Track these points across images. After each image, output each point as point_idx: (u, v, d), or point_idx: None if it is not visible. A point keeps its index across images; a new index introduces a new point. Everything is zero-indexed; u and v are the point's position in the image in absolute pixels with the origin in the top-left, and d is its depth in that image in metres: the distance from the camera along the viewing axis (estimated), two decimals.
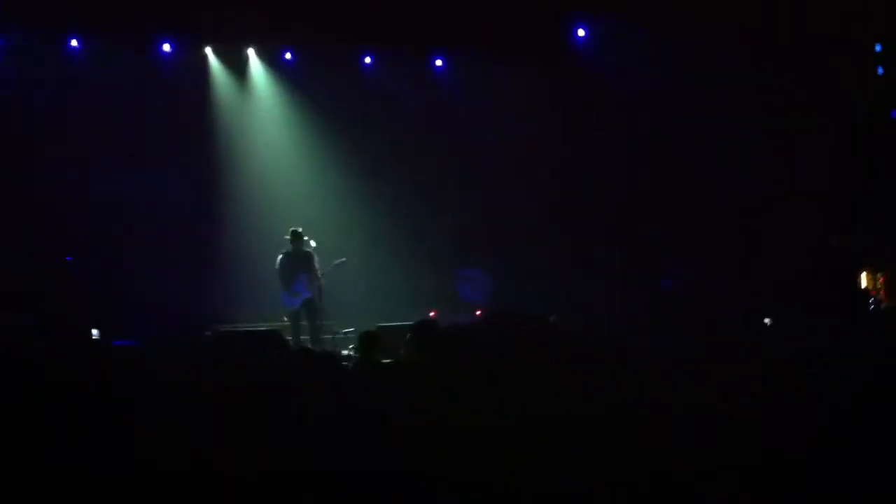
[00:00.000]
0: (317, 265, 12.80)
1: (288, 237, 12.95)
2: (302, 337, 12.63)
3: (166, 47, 14.92)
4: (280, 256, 12.96)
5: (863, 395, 4.63)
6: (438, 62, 15.82)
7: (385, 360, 7.73)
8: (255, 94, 15.71)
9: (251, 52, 15.54)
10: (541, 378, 4.67)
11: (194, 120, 15.13)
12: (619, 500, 3.89)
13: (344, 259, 13.19)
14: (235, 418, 4.17)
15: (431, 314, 12.99)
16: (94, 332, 9.87)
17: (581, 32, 15.16)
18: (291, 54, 15.57)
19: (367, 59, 15.69)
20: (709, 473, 3.98)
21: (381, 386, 5.34)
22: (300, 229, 13.00)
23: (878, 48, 13.44)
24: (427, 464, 3.94)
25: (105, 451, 3.89)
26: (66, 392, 4.51)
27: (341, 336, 12.49)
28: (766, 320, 10.11)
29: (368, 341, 7.81)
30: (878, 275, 11.68)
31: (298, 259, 12.83)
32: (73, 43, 14.48)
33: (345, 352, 11.39)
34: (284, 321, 12.89)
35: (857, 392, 4.67)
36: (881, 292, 11.61)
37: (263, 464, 3.85)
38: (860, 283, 11.81)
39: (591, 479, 3.91)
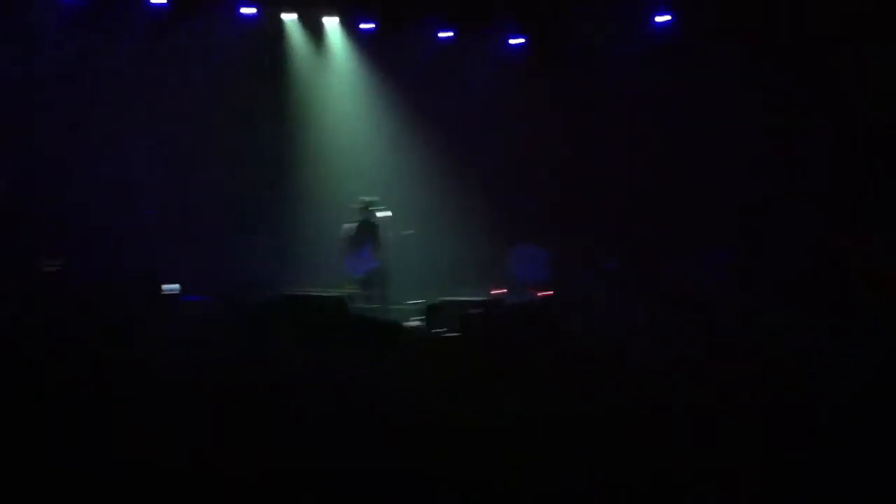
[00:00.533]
0: (387, 235, 12.99)
1: (357, 206, 13.13)
2: (371, 306, 12.67)
3: (246, 10, 14.98)
4: (348, 225, 13.13)
5: (863, 394, 4.55)
6: (519, 40, 15.68)
7: (449, 334, 7.75)
8: (330, 63, 15.78)
9: (328, 20, 15.57)
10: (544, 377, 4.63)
11: (269, 84, 15.22)
12: (619, 501, 3.85)
13: (412, 231, 13.26)
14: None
15: (496, 292, 12.98)
16: (168, 286, 10.05)
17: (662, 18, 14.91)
18: (370, 24, 15.56)
19: (446, 34, 15.62)
20: (709, 473, 3.93)
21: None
22: (370, 199, 13.13)
23: None
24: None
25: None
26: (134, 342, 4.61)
27: (407, 307, 12.54)
28: None
29: (433, 313, 7.87)
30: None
31: (366, 229, 13.04)
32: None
33: (411, 322, 11.41)
34: (351, 289, 12.90)
35: (857, 392, 4.60)
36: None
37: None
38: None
39: (592, 479, 3.87)
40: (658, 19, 14.82)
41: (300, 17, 15.43)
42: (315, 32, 15.65)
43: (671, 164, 14.29)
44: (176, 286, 10.74)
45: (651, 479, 3.93)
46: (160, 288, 9.94)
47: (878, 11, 12.48)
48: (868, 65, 12.76)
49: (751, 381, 4.99)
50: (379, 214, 13.24)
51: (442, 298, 11.39)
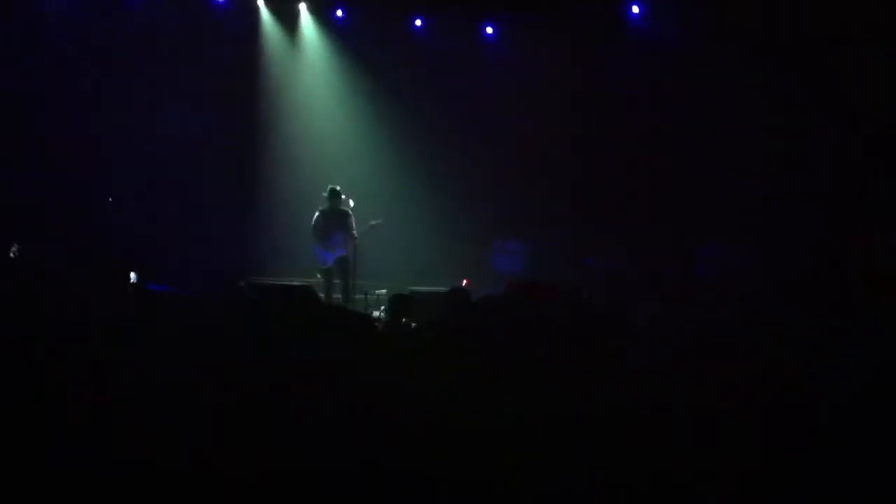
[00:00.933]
0: (353, 224, 12.84)
1: (325, 194, 12.99)
2: (334, 295, 12.65)
3: None
4: (317, 213, 13.01)
5: (863, 394, 4.60)
6: (489, 30, 15.70)
7: (413, 324, 7.75)
8: (303, 50, 15.73)
9: (302, 6, 15.53)
10: (549, 373, 4.62)
11: (242, 70, 15.18)
12: (620, 501, 3.87)
13: (381, 220, 13.17)
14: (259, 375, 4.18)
15: (464, 282, 12.99)
16: (132, 274, 9.93)
17: (636, 9, 14.91)
18: (343, 12, 15.53)
19: (418, 22, 15.61)
20: (709, 473, 3.96)
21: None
22: (338, 187, 13.02)
23: None
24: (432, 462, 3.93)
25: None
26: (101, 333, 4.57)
27: (373, 296, 12.53)
28: None
29: (399, 304, 7.84)
30: None
31: (334, 216, 12.87)
32: None
33: (375, 313, 11.41)
34: (318, 278, 12.95)
35: (857, 392, 4.65)
36: None
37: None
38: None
39: (592, 479, 3.89)
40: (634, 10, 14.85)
41: (272, 3, 15.37)
42: (288, 19, 15.56)
43: (666, 160, 14.24)
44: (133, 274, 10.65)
45: (651, 479, 3.94)
46: (128, 276, 9.82)
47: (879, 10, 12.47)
48: (870, 64, 12.80)
49: (752, 379, 5.03)
50: (349, 203, 13.07)
51: (408, 289, 11.40)
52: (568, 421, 4.11)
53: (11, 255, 11.32)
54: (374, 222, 13.10)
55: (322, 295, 12.00)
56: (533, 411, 4.12)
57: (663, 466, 3.94)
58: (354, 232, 12.80)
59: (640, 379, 4.84)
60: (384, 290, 12.40)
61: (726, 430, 4.20)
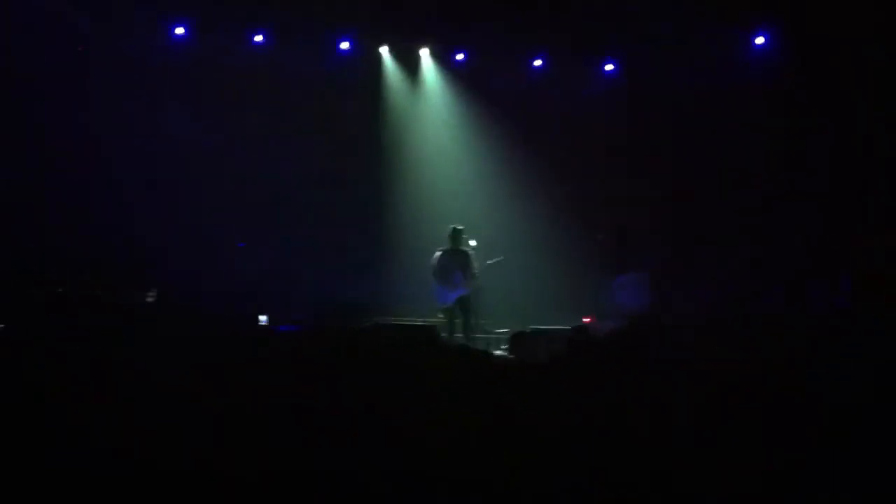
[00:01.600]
0: (474, 263, 12.97)
1: (448, 234, 13.16)
2: (456, 335, 12.76)
3: (344, 45, 15.43)
4: (438, 253, 13.16)
5: (866, 395, 4.50)
6: (609, 66, 15.73)
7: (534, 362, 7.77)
8: (425, 93, 16.08)
9: (424, 52, 15.89)
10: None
11: (367, 117, 15.62)
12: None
13: (501, 258, 13.27)
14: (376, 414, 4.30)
15: (586, 320, 12.95)
16: (263, 317, 10.28)
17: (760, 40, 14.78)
18: (464, 55, 15.82)
19: (538, 62, 15.77)
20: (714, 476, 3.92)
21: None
22: (460, 227, 13.19)
23: None
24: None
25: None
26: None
27: (494, 336, 12.60)
28: None
29: (520, 342, 7.90)
30: None
31: (455, 256, 13.03)
32: (258, 38, 15.16)
33: (497, 352, 11.47)
34: (439, 317, 13.06)
35: (859, 392, 4.54)
36: None
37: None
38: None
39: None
40: (757, 41, 14.71)
41: (394, 49, 15.79)
42: (410, 64, 15.97)
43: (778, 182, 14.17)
44: (264, 316, 10.99)
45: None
46: (258, 319, 10.14)
47: None
48: None
49: (756, 380, 4.98)
50: (471, 243, 13.22)
51: (529, 327, 11.44)
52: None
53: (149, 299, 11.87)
54: (493, 260, 13.18)
55: (445, 335, 12.14)
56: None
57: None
58: (475, 271, 12.92)
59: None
60: (506, 329, 12.44)
61: (732, 432, 4.19)
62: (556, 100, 15.59)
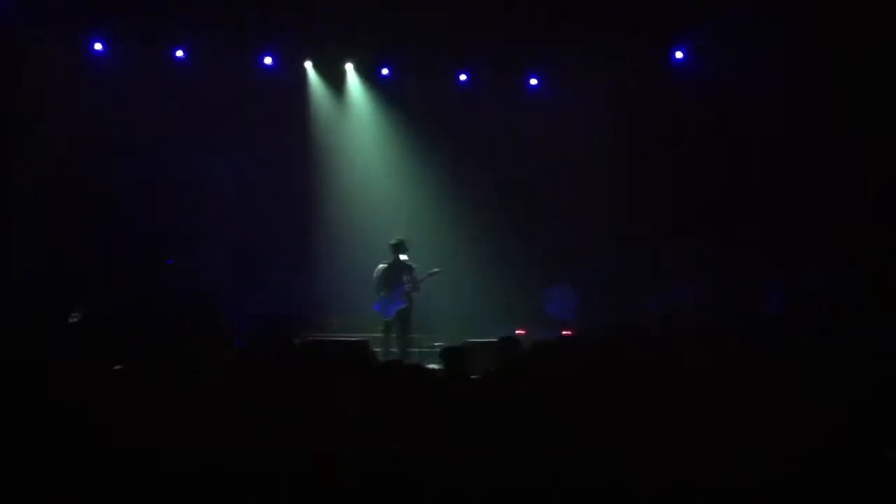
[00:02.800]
0: (416, 276, 12.87)
1: (393, 243, 13.02)
2: (391, 349, 12.68)
3: (267, 60, 15.33)
4: (380, 266, 13.03)
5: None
6: (533, 81, 15.87)
7: (472, 376, 7.75)
8: (351, 108, 16.03)
9: (349, 66, 15.85)
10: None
11: (292, 132, 15.52)
12: None
13: (438, 269, 13.14)
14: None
15: (520, 332, 12.98)
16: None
17: (679, 55, 15.00)
18: (388, 69, 15.82)
19: (462, 77, 15.84)
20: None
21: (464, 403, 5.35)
22: (401, 238, 13.07)
23: None
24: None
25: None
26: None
27: (427, 349, 12.53)
28: None
29: (452, 357, 7.84)
30: None
31: (398, 269, 12.90)
32: (179, 53, 14.97)
33: (431, 366, 11.40)
34: (379, 331, 12.93)
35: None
36: None
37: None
38: None
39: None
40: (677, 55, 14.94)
41: (318, 65, 15.73)
42: (334, 79, 15.91)
43: (712, 201, 14.34)
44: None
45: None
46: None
47: None
48: None
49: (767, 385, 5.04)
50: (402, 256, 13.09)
51: (464, 340, 11.42)
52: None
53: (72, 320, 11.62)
54: (431, 271, 13.06)
55: (379, 349, 12.04)
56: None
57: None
58: (418, 283, 12.85)
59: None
60: (440, 343, 12.37)
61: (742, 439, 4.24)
62: (482, 113, 15.65)
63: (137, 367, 5.14)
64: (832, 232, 13.01)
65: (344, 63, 15.82)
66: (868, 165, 12.95)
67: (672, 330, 11.34)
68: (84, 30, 14.39)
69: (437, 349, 11.96)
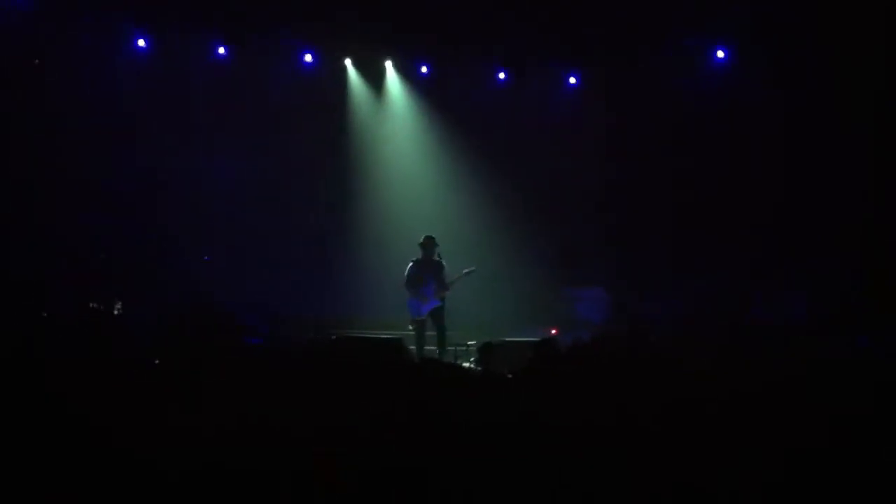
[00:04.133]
0: (446, 274, 12.73)
1: (421, 241, 12.83)
2: (426, 347, 12.61)
3: (308, 58, 15.39)
4: (410, 264, 12.86)
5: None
6: (573, 80, 15.79)
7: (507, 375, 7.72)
8: (390, 105, 16.06)
9: (388, 64, 15.87)
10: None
11: (331, 126, 15.58)
12: None
13: (474, 268, 12.96)
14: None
15: (553, 331, 12.94)
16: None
17: (720, 54, 14.88)
18: (427, 68, 15.81)
19: (501, 75, 15.80)
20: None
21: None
22: (431, 235, 12.87)
23: None
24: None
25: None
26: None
27: (463, 348, 12.47)
28: None
29: (489, 354, 7.85)
30: None
31: (428, 266, 12.70)
32: (221, 50, 15.08)
33: (466, 364, 11.40)
34: (409, 329, 12.81)
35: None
36: None
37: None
38: None
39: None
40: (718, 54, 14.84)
41: (358, 62, 15.77)
42: (374, 76, 15.94)
43: (742, 206, 14.26)
44: None
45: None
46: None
47: None
48: None
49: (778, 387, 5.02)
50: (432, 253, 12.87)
51: (498, 339, 11.39)
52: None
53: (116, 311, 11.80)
54: (466, 270, 12.88)
55: (413, 347, 12.02)
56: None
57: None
58: (448, 281, 12.71)
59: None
60: (474, 342, 12.32)
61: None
62: (521, 112, 15.61)
63: (140, 365, 5.16)
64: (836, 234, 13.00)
65: (384, 60, 15.82)
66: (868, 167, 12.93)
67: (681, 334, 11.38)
68: (124, 25, 14.48)
69: (469, 348, 11.99)
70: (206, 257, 14.13)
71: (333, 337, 9.65)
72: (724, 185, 14.35)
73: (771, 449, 4.19)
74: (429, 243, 12.79)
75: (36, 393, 4.37)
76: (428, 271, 12.69)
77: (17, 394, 4.37)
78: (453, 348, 12.39)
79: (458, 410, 4.63)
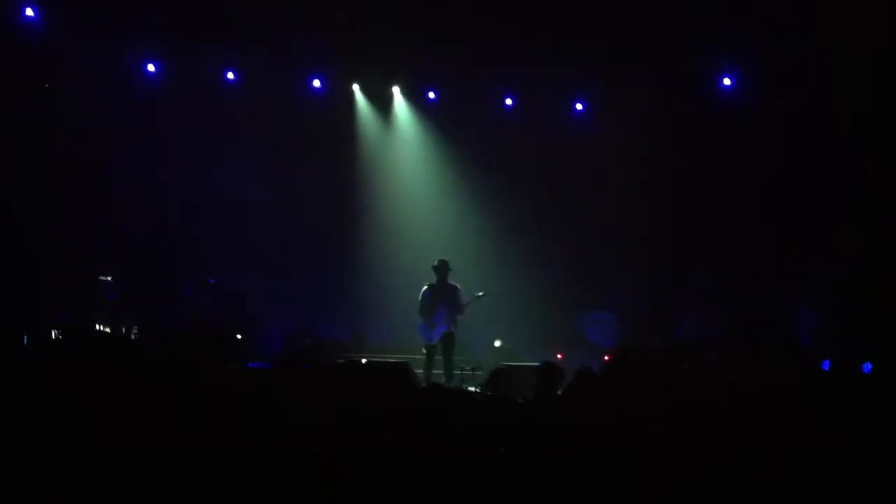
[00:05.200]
0: (460, 299, 12.61)
1: (435, 265, 12.73)
2: (433, 371, 12.54)
3: (316, 83, 15.46)
4: (424, 287, 12.72)
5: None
6: (579, 106, 15.83)
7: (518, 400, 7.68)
8: (397, 130, 16.10)
9: (396, 89, 15.93)
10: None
11: (339, 152, 15.65)
12: None
13: (484, 293, 12.89)
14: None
15: (558, 356, 12.90)
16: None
17: (727, 81, 14.91)
18: (434, 94, 15.87)
19: (508, 101, 15.85)
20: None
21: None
22: (444, 259, 12.77)
23: None
24: None
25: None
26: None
27: (469, 373, 12.41)
28: None
29: (499, 380, 7.80)
30: None
31: (442, 291, 12.58)
32: (230, 76, 15.15)
33: (471, 388, 11.33)
34: (422, 353, 12.73)
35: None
36: None
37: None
38: None
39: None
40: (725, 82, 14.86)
41: (364, 87, 15.84)
42: (382, 102, 16.00)
43: (754, 228, 14.27)
44: None
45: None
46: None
47: None
48: None
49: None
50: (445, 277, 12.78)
51: (503, 363, 11.35)
52: None
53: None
54: (478, 295, 12.81)
55: (421, 371, 11.97)
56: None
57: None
58: (463, 305, 12.61)
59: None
60: (481, 368, 12.24)
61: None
62: (528, 138, 15.63)
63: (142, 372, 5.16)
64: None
65: (391, 86, 15.88)
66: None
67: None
68: (128, 47, 14.47)
69: (475, 373, 11.93)
70: (210, 279, 14.10)
71: (341, 361, 9.62)
72: (724, 189, 14.43)
73: (771, 449, 4.19)
74: (443, 266, 12.69)
75: (35, 393, 4.37)
76: (441, 296, 12.57)
77: (17, 394, 4.38)
78: (459, 372, 12.34)
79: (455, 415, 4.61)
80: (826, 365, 11.05)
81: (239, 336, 12.01)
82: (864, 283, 12.84)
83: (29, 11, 13.31)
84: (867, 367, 10.51)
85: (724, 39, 13.90)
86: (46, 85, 13.80)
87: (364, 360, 10.63)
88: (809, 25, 12.96)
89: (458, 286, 12.72)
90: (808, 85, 13.60)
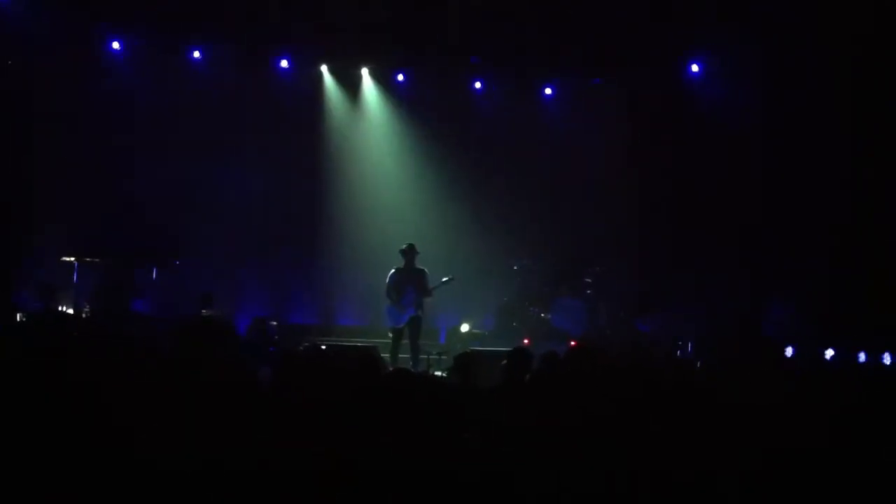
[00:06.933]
0: (427, 283, 12.57)
1: (403, 248, 12.68)
2: (400, 355, 12.47)
3: (283, 63, 15.29)
4: (391, 271, 12.68)
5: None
6: (548, 90, 15.81)
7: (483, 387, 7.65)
8: (366, 113, 15.99)
9: (365, 71, 15.80)
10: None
11: (306, 132, 15.50)
12: None
13: (452, 277, 12.88)
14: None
15: (525, 342, 12.90)
16: None
17: (695, 68, 14.93)
18: (403, 76, 15.76)
19: (477, 85, 15.79)
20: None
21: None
22: (412, 243, 12.71)
23: None
24: None
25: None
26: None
27: (435, 357, 12.38)
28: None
29: (465, 365, 7.74)
30: None
31: (409, 275, 12.55)
32: (196, 54, 14.95)
33: (438, 373, 11.31)
34: (389, 336, 12.64)
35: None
36: None
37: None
38: None
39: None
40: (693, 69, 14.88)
41: (334, 69, 15.68)
42: (350, 84, 15.86)
43: (725, 218, 14.29)
44: None
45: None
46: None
47: None
48: None
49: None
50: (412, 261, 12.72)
51: (470, 349, 11.33)
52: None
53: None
54: (446, 279, 12.80)
55: (388, 355, 11.92)
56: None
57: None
58: (430, 289, 12.59)
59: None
60: (445, 353, 12.21)
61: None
62: (496, 121, 15.63)
63: (137, 365, 5.08)
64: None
65: (360, 68, 15.75)
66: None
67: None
68: (96, 26, 14.34)
69: (442, 358, 11.91)
70: (175, 261, 13.91)
71: (304, 345, 9.53)
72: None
73: (771, 449, 4.20)
74: (410, 251, 12.66)
75: (35, 391, 4.30)
76: (409, 280, 12.53)
77: (17, 392, 4.31)
78: (426, 356, 12.30)
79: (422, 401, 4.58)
80: (791, 351, 11.17)
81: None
82: (842, 278, 12.91)
83: None
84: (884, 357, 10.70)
85: (708, 35, 13.93)
86: (9, 62, 13.57)
87: (324, 347, 10.51)
88: (809, 24, 13.00)
89: (426, 270, 12.69)
90: (792, 82, 13.70)
